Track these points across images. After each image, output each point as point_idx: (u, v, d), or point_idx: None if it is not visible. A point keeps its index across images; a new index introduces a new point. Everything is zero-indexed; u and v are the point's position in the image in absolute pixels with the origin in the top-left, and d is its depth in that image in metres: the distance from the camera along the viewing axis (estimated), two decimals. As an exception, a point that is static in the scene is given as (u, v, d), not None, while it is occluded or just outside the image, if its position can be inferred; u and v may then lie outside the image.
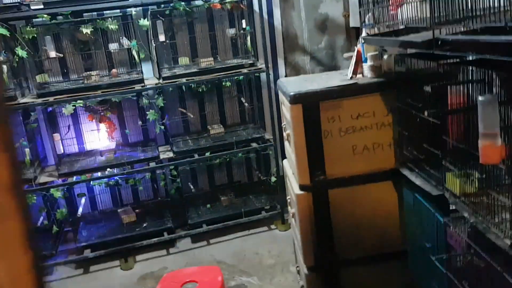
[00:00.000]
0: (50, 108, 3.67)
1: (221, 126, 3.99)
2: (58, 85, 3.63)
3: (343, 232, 2.13)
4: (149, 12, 3.58)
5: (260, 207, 3.98)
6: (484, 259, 1.31)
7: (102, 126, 3.91)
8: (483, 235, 1.31)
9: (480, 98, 1.25)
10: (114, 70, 3.78)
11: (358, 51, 2.12)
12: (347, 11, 4.46)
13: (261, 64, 3.82)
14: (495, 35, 1.13)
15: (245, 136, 3.91)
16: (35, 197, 3.52)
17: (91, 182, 3.75)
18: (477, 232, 1.34)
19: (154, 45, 3.57)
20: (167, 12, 3.64)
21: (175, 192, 3.93)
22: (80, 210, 3.78)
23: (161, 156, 3.75)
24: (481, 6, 1.29)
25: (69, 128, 3.89)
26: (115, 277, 3.55)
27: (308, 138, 1.99)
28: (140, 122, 3.75)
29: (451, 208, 1.58)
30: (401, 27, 2.06)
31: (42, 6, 3.36)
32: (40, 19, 3.40)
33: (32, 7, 3.35)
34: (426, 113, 1.61)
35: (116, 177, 3.73)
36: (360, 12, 2.01)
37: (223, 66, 3.76)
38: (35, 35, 3.40)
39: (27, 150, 3.53)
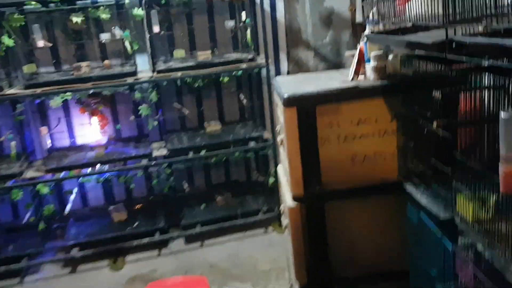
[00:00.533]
0: (38, 100, 3.47)
1: (219, 123, 3.78)
2: (46, 76, 3.43)
3: (339, 248, 1.93)
4: (143, 1, 3.36)
5: (257, 209, 3.77)
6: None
7: (94, 119, 3.71)
8: (499, 273, 1.11)
9: (503, 114, 1.04)
10: (106, 61, 3.57)
11: (360, 50, 1.90)
12: (354, 6, 4.21)
13: (261, 59, 3.59)
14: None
15: (243, 134, 3.70)
16: (21, 192, 3.34)
17: (80, 179, 3.56)
18: (493, 270, 1.13)
19: (148, 36, 3.35)
20: (163, 1, 3.42)
21: (169, 190, 3.73)
22: (68, 207, 3.60)
23: (154, 153, 3.55)
24: (505, 2, 1.07)
25: (59, 121, 3.70)
26: (103, 278, 3.36)
27: (303, 145, 1.78)
28: (132, 117, 3.54)
29: (461, 234, 1.37)
30: (409, 24, 1.84)
31: (31, -8, 3.15)
32: (30, 6, 3.18)
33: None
34: (435, 124, 1.39)
35: (106, 174, 3.53)
36: (362, 7, 1.79)
37: (222, 60, 3.53)
38: (24, 23, 3.18)
39: (13, 143, 3.34)
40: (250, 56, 3.58)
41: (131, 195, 3.93)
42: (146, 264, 3.47)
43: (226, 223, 3.66)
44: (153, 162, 3.52)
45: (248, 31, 3.58)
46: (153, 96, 3.42)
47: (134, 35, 3.40)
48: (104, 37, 3.33)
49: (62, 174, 3.38)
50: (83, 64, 3.37)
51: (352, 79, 1.90)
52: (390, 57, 1.81)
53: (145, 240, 3.53)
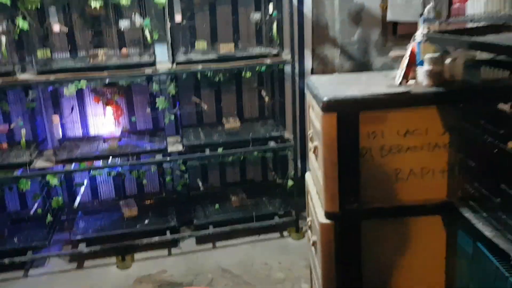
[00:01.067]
0: (51, 87, 3.26)
1: (237, 119, 3.54)
2: (61, 62, 3.20)
3: (375, 272, 1.69)
4: (166, -12, 3.12)
5: (273, 212, 3.54)
6: None
7: (109, 109, 3.49)
8: None
9: None
10: (124, 50, 3.34)
11: (412, 51, 1.65)
12: (385, 3, 3.94)
13: (286, 55, 3.34)
14: None
15: (262, 133, 3.45)
16: (29, 183, 3.13)
17: (91, 171, 3.35)
18: None
19: (169, 25, 3.12)
20: (187, -11, 3.17)
21: (182, 188, 3.50)
22: (78, 200, 3.39)
23: (169, 149, 3.32)
24: None
25: (72, 109, 3.48)
26: (109, 276, 3.16)
27: (342, 156, 1.53)
28: (148, 110, 3.31)
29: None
30: (470, 24, 1.58)
31: (48, -27, 2.92)
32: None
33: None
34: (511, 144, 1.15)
35: (118, 168, 3.31)
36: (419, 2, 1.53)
37: (245, 54, 3.28)
38: (40, 6, 2.96)
39: (23, 131, 3.13)
40: (274, 51, 3.33)
41: (143, 190, 3.72)
42: (155, 264, 3.25)
43: (239, 226, 3.43)
44: (168, 158, 3.29)
45: (275, 25, 3.32)
46: (171, 89, 3.18)
47: (154, 24, 3.16)
48: (123, 24, 3.10)
49: (72, 166, 3.17)
50: (100, 51, 3.14)
51: (401, 83, 1.65)
52: (448, 60, 1.56)
53: (155, 238, 3.31)
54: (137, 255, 3.34)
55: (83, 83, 2.99)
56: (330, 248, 1.64)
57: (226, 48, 3.32)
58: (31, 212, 3.22)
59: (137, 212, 3.50)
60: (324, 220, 1.63)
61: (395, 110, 1.54)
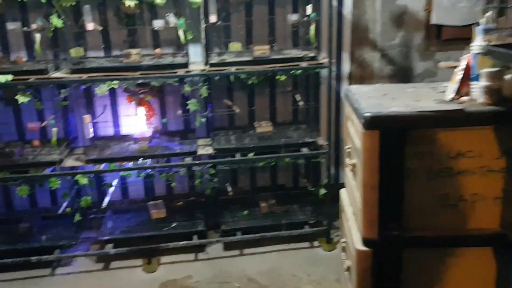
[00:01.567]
0: (83, 87, 3.22)
1: (270, 123, 3.40)
2: (94, 61, 3.15)
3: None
4: (202, -12, 3.02)
5: (304, 221, 3.40)
6: None
7: (141, 110, 3.42)
8: None
9: None
10: (158, 50, 3.26)
11: (467, 64, 1.47)
12: (430, 6, 3.72)
13: (323, 58, 3.18)
14: None
15: (295, 139, 3.31)
16: (59, 181, 3.10)
17: (120, 173, 3.29)
18: None
19: (203, 25, 3.01)
20: (223, -11, 3.05)
21: (211, 192, 3.41)
22: (107, 200, 3.34)
23: (200, 151, 3.22)
24: None
25: (104, 109, 3.44)
26: (135, 279, 3.10)
27: (383, 178, 1.38)
28: (180, 112, 3.22)
29: None
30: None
31: (84, -30, 2.87)
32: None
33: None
34: None
35: (148, 169, 3.24)
36: (480, 9, 1.36)
37: (280, 56, 3.15)
38: (75, 3, 2.91)
39: (54, 129, 3.10)
40: (311, 54, 3.17)
41: (172, 192, 3.64)
42: (181, 269, 3.17)
43: (268, 234, 3.31)
44: (197, 162, 3.20)
45: (312, 27, 3.17)
46: (203, 91, 3.08)
47: (189, 24, 3.06)
48: (157, 24, 3.01)
49: (102, 166, 3.12)
50: (133, 51, 3.07)
51: (452, 99, 1.48)
52: (508, 76, 1.38)
53: (182, 243, 3.23)
54: (164, 258, 3.27)
55: (115, 83, 2.93)
56: (366, 277, 1.49)
57: (261, 50, 3.19)
58: (60, 211, 3.19)
59: (165, 214, 3.43)
60: (361, 246, 1.49)
61: (446, 130, 1.38)
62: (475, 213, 1.44)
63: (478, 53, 1.49)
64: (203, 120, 3.17)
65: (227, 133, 3.47)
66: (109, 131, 3.51)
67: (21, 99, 2.86)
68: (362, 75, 3.84)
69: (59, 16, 2.86)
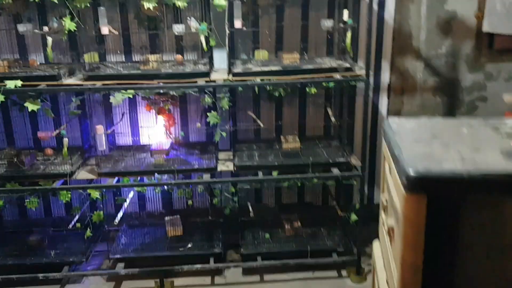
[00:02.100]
0: (97, 95, 3.00)
1: (297, 138, 3.09)
2: (110, 68, 2.93)
3: None
4: (227, -11, 2.74)
5: (332, 248, 3.07)
6: None
7: (160, 118, 3.18)
8: None
9: None
10: (179, 56, 3.01)
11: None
12: (482, 11, 3.31)
13: (360, 70, 2.84)
14: None
15: (325, 158, 2.99)
16: (69, 194, 2.90)
17: (135, 188, 3.07)
18: None
19: (228, 31, 2.73)
20: (251, -9, 2.76)
21: (230, 212, 3.13)
22: (119, 216, 3.12)
23: (220, 167, 2.95)
24: None
25: (122, 117, 3.22)
26: (145, 303, 2.87)
27: (430, 255, 1.05)
28: (199, 124, 2.95)
29: None
30: None
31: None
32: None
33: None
34: None
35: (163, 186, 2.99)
36: None
37: (312, 67, 2.82)
38: (89, 4, 2.68)
39: (65, 140, 2.89)
40: (347, 65, 2.84)
41: (190, 208, 3.39)
42: (195, 294, 2.92)
43: (291, 261, 3.00)
44: (217, 180, 2.93)
45: (349, 34, 2.83)
46: (225, 103, 2.80)
47: (213, 28, 2.79)
48: (177, 29, 2.75)
49: (115, 181, 2.90)
50: (152, 57, 2.83)
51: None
52: None
53: (197, 266, 2.97)
54: (178, 281, 3.03)
55: (130, 93, 2.69)
56: None
57: (290, 58, 2.88)
58: (70, 226, 2.99)
59: (182, 232, 3.18)
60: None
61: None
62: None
63: None
64: (224, 134, 2.88)
65: (251, 147, 3.18)
66: (127, 139, 3.29)
67: (31, 106, 2.66)
68: (403, 87, 3.47)
69: (72, 18, 2.64)
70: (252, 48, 3.07)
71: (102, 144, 2.81)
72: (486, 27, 3.31)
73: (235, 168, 2.91)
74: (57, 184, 2.84)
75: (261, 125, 2.92)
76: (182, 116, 3.29)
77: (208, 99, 2.78)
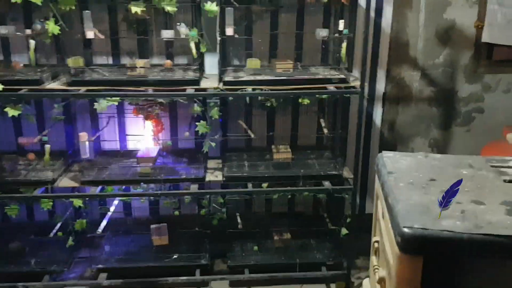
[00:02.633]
0: (80, 101, 2.88)
1: (289, 149, 3.00)
2: (96, 73, 2.81)
3: None
4: (219, -6, 2.62)
5: (321, 261, 2.99)
6: None
7: (148, 124, 3.07)
8: None
9: None
10: (168, 62, 2.89)
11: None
12: (481, 21, 3.22)
13: (354, 80, 2.74)
14: None
15: (317, 169, 2.90)
16: (51, 203, 2.79)
17: (117, 200, 2.96)
18: None
19: (218, 39, 2.62)
20: (245, -4, 2.64)
21: (218, 223, 3.03)
22: (102, 225, 3.02)
23: (208, 178, 2.85)
24: None
25: (108, 121, 3.10)
26: (128, 316, 2.77)
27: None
28: (187, 133, 2.84)
29: None
30: None
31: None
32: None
33: (74, -29, 2.51)
34: None
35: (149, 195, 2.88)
36: None
37: (305, 77, 2.72)
38: (74, 7, 2.55)
39: (47, 147, 2.78)
40: (341, 76, 2.74)
41: (178, 217, 3.28)
42: (180, 307, 2.83)
43: (280, 274, 2.92)
44: (204, 191, 2.83)
45: (344, 45, 2.72)
46: (215, 113, 2.69)
47: (204, 34, 2.67)
48: (166, 34, 2.64)
49: (98, 189, 2.79)
50: (140, 62, 2.72)
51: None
52: None
53: (183, 278, 2.88)
54: (162, 293, 2.93)
55: (115, 100, 2.57)
56: None
57: (283, 66, 2.78)
58: (51, 234, 2.88)
59: (168, 241, 3.08)
60: None
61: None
62: None
63: None
64: (213, 144, 2.78)
65: (241, 156, 3.09)
66: (114, 145, 3.18)
67: (11, 111, 2.54)
68: (399, 96, 3.39)
69: (56, 21, 2.51)
70: (244, 55, 2.95)
71: (85, 152, 2.70)
72: (485, 38, 3.23)
73: (224, 179, 2.81)
74: (38, 191, 2.72)
75: (252, 135, 2.81)
76: (171, 121, 3.17)
77: (197, 108, 2.66)
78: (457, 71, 3.34)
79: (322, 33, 2.67)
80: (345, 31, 2.66)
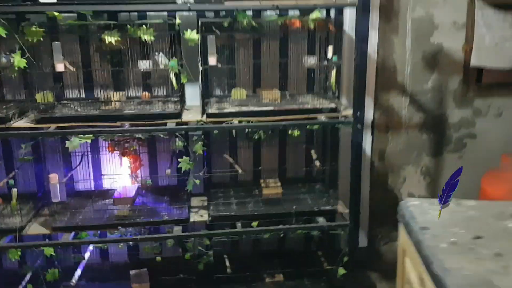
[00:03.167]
0: (50, 139, 2.63)
1: (279, 183, 2.79)
2: (67, 107, 2.56)
3: None
4: (200, 23, 2.44)
5: (317, 304, 2.75)
6: None
7: (125, 160, 2.82)
8: None
9: None
10: (145, 93, 2.68)
11: None
12: (470, 44, 3.12)
13: (345, 109, 2.58)
14: None
15: (309, 205, 2.69)
16: (19, 252, 2.49)
17: (92, 245, 2.68)
18: None
19: (201, 69, 2.42)
20: (226, 24, 2.46)
21: (204, 268, 2.76)
22: (77, 275, 2.72)
23: (192, 218, 2.61)
24: None
25: (81, 160, 2.84)
26: None
27: None
28: (168, 171, 2.61)
29: None
30: None
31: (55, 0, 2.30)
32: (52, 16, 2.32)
33: (42, 0, 2.29)
34: None
35: (128, 241, 2.61)
36: None
37: (294, 107, 2.54)
38: (42, 38, 2.32)
39: (14, 191, 2.50)
40: (332, 105, 2.57)
41: (159, 262, 3.00)
42: None
43: (274, 321, 2.66)
44: (189, 233, 2.58)
45: (333, 72, 2.56)
46: (198, 148, 2.47)
47: (184, 64, 2.48)
48: (144, 65, 2.43)
49: (71, 236, 2.51)
50: (115, 95, 2.50)
51: None
52: None
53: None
54: None
55: (89, 137, 2.33)
56: None
57: (270, 96, 2.60)
58: (20, 287, 2.58)
59: (149, 288, 2.79)
60: None
61: None
62: None
63: None
64: (197, 182, 2.54)
65: (227, 193, 2.86)
66: (88, 184, 2.91)
67: (-28, 154, 2.26)
68: (388, 124, 3.24)
69: (23, 54, 2.27)
70: (227, 84, 2.76)
71: (56, 195, 2.43)
72: (474, 61, 3.13)
73: (210, 219, 2.57)
74: (5, 240, 2.42)
75: (239, 170, 2.59)
76: (150, 157, 2.93)
77: (179, 143, 2.44)
78: (447, 96, 3.22)
79: (310, 60, 2.51)
80: (334, 58, 2.50)
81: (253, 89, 2.83)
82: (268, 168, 3.00)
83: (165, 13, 2.62)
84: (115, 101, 2.43)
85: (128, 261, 3.08)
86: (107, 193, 2.86)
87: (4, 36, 2.26)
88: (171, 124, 2.40)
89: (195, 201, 2.83)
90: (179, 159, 2.51)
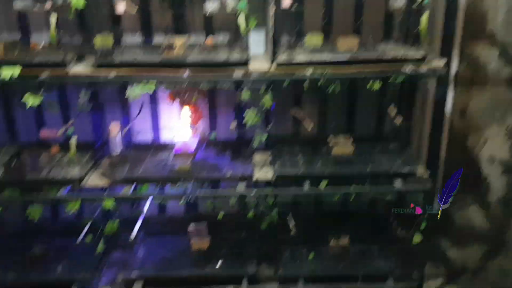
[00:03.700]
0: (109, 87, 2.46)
1: (349, 140, 2.52)
2: (127, 53, 2.36)
3: None
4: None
5: (387, 271, 2.54)
6: None
7: (185, 110, 2.63)
8: None
9: None
10: (210, 39, 2.44)
11: None
12: None
13: (437, 61, 2.24)
14: None
15: (385, 165, 2.43)
16: (77, 205, 2.40)
17: (152, 199, 2.55)
18: None
19: (272, 11, 2.14)
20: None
21: (267, 227, 2.59)
22: (135, 230, 2.63)
23: (256, 175, 2.42)
24: None
25: (140, 110, 2.68)
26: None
27: None
28: (233, 125, 2.39)
29: None
30: None
31: None
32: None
33: None
34: None
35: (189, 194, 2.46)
36: None
37: (376, 56, 2.23)
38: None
39: (73, 140, 2.37)
40: (420, 54, 2.23)
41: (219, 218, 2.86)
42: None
43: (339, 286, 2.49)
44: (252, 191, 2.39)
45: (425, 16, 2.21)
46: (267, 100, 2.23)
47: (252, 8, 2.20)
48: (210, 7, 2.17)
49: (131, 189, 2.38)
50: (178, 41, 2.27)
51: None
52: None
53: (229, 286, 2.48)
54: (204, 305, 2.53)
55: (150, 86, 2.13)
56: None
57: (346, 44, 2.28)
58: (78, 241, 2.50)
59: (209, 243, 2.67)
60: None
61: None
62: None
63: None
64: (264, 138, 2.32)
65: (293, 150, 2.64)
66: (147, 136, 2.76)
67: (30, 100, 2.13)
68: (473, 78, 2.86)
69: (80, -6, 2.07)
70: (298, 32, 2.47)
71: (117, 146, 2.28)
72: None
73: (275, 178, 2.36)
74: (63, 191, 2.33)
75: (310, 126, 2.34)
76: (211, 108, 2.73)
77: (246, 95, 2.20)
78: (543, 49, 2.79)
79: (398, 2, 2.15)
80: (426, 1, 2.14)
81: (325, 35, 2.52)
82: (335, 125, 2.73)
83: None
84: (178, 46, 2.20)
85: (186, 216, 2.96)
86: (166, 147, 2.71)
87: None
88: (238, 72, 2.16)
89: (257, 157, 2.63)
90: (245, 112, 2.28)
